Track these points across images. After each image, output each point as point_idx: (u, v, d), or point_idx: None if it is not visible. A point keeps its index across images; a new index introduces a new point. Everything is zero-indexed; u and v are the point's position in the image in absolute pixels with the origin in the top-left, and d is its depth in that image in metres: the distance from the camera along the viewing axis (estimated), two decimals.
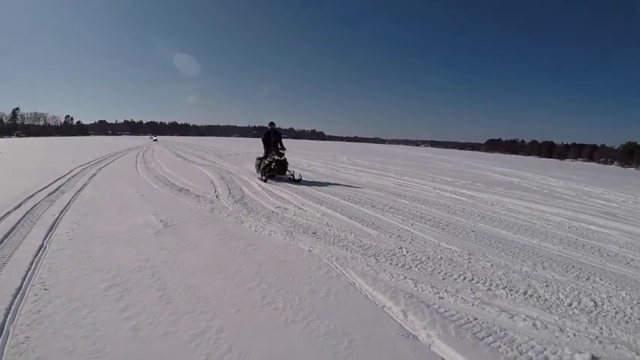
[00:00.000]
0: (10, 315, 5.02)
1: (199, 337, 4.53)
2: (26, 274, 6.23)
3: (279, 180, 18.01)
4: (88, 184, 15.92)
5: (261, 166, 18.75)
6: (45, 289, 5.82)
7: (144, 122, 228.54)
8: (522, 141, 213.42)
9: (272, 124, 19.52)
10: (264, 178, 18.10)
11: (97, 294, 5.66)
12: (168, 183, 16.64)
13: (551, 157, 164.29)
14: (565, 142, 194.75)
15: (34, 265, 6.63)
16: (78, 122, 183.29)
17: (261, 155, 19.58)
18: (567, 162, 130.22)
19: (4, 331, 4.65)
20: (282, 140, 19.48)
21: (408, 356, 4.35)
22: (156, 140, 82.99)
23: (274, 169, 18.24)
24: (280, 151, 18.47)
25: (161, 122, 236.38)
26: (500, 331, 5.01)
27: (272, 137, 18.97)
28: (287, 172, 18.66)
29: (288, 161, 19.02)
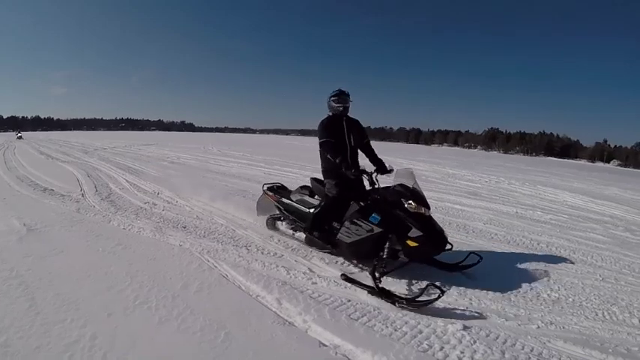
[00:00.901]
0: None
1: (73, 346, 4.43)
2: None
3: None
4: None
5: (357, 238, 6.61)
6: None
7: (4, 117, 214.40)
8: (391, 128, 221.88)
9: (342, 95, 7.48)
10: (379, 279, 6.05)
11: None
12: (32, 183, 15.70)
13: (418, 143, 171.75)
14: (431, 129, 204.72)
15: None
16: None
17: (300, 186, 8.85)
18: (434, 147, 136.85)
19: None
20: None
21: (285, 343, 4.51)
22: (21, 137, 71.56)
23: (419, 249, 6.12)
24: (405, 183, 6.71)
25: (23, 117, 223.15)
26: (375, 310, 5.33)
27: (348, 139, 7.62)
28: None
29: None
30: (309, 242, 7.63)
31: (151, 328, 4.84)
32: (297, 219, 7.94)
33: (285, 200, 8.33)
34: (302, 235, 7.87)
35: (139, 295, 5.69)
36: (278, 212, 8.58)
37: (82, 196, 12.89)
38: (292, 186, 9.18)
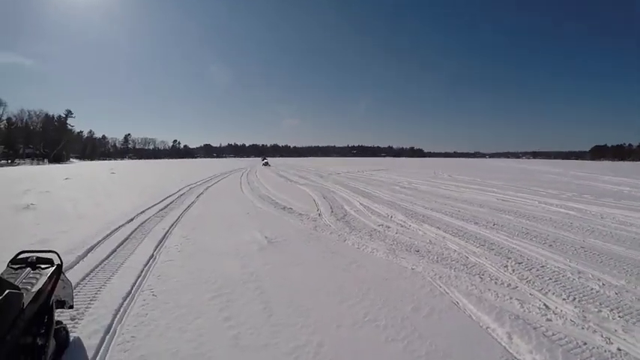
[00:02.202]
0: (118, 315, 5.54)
1: (299, 350, 4.59)
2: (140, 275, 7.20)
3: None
4: (195, 202, 16.82)
5: None
6: (153, 294, 6.31)
7: (247, 145, 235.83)
8: (630, 145, 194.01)
9: None
10: None
11: (203, 303, 5.98)
12: (272, 202, 17.16)
13: None
14: None
15: (143, 274, 7.36)
16: (185, 146, 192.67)
17: None
18: None
19: (111, 330, 5.09)
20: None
21: None
22: (267, 164, 66.42)
23: None
24: None
25: (263, 145, 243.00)
26: (612, 357, 4.63)
27: None
28: None
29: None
30: None
31: (376, 345, 4.79)
32: None
33: None
34: None
35: (369, 312, 5.71)
36: None
37: (319, 215, 13.57)
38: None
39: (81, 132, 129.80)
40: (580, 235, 10.72)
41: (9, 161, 71.45)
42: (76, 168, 53.07)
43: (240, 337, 4.91)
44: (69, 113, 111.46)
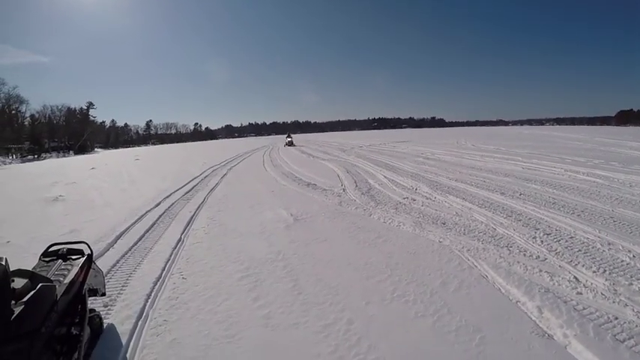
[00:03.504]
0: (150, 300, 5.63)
1: (329, 328, 4.62)
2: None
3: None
4: (220, 184, 16.94)
5: None
6: (183, 278, 6.39)
7: (267, 123, 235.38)
8: None
9: None
10: None
11: (232, 284, 6.04)
12: (296, 178, 17.19)
13: None
14: None
15: (172, 257, 7.44)
16: (206, 128, 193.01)
17: None
18: None
19: (143, 315, 5.17)
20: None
21: (542, 357, 4.10)
22: (291, 143, 53.20)
23: None
24: None
25: (283, 122, 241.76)
26: None
27: None
28: None
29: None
30: None
31: (406, 321, 4.79)
32: None
33: None
34: None
35: (398, 287, 5.70)
36: None
37: (343, 190, 13.55)
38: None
39: (103, 122, 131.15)
40: (609, 204, 10.41)
41: (35, 156, 72.33)
42: (101, 157, 53.28)
43: (270, 316, 4.95)
44: (90, 105, 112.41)
